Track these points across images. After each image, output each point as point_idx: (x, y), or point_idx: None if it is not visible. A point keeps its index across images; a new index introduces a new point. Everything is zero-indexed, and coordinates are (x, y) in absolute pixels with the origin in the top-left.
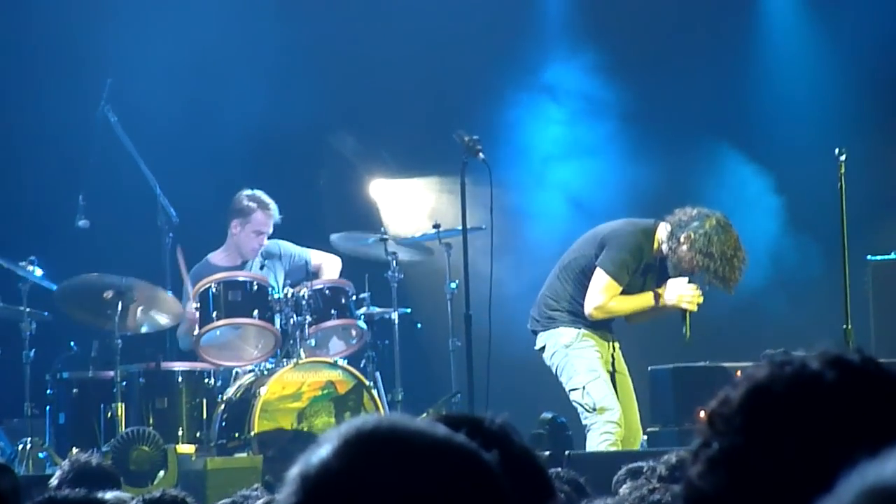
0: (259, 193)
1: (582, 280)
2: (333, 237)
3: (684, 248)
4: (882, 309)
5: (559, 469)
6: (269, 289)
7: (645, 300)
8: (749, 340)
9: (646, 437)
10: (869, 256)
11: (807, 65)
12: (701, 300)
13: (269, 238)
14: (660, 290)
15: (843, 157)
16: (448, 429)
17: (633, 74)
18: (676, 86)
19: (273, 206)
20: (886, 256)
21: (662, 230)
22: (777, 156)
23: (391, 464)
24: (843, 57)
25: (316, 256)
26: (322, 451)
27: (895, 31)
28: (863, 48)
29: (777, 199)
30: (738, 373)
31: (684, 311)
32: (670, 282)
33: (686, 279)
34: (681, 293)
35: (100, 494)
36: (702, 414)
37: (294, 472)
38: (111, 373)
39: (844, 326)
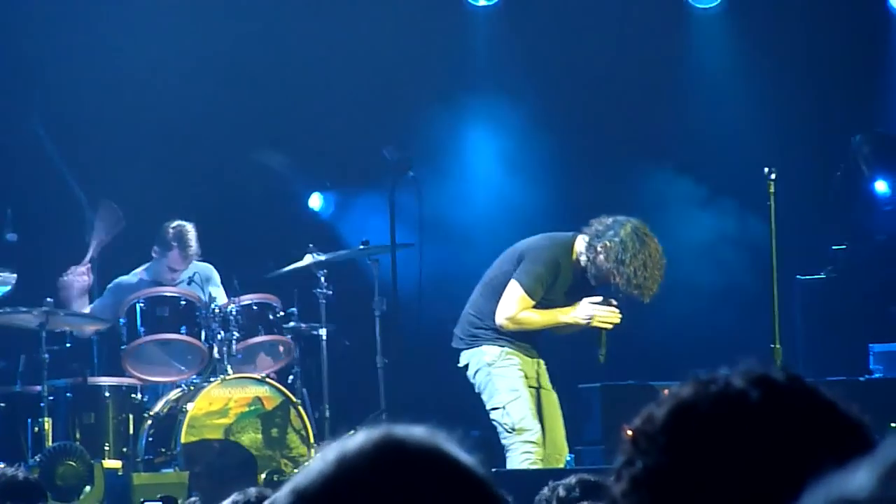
0: (184, 230)
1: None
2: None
3: (601, 257)
4: (810, 328)
5: None
6: (197, 305)
7: (555, 317)
8: (678, 359)
9: (573, 455)
10: (798, 276)
11: (738, 84)
12: (617, 320)
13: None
14: (568, 308)
15: (772, 177)
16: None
17: (566, 91)
18: (609, 102)
19: (193, 247)
20: (815, 276)
21: (580, 242)
22: (708, 174)
23: (390, 479)
24: (773, 77)
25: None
26: (318, 464)
27: (825, 51)
28: (793, 68)
29: (707, 216)
30: (666, 391)
31: (600, 330)
32: (583, 301)
33: (599, 298)
34: (592, 312)
35: None
36: (627, 432)
37: (287, 486)
38: (38, 387)
39: (773, 345)
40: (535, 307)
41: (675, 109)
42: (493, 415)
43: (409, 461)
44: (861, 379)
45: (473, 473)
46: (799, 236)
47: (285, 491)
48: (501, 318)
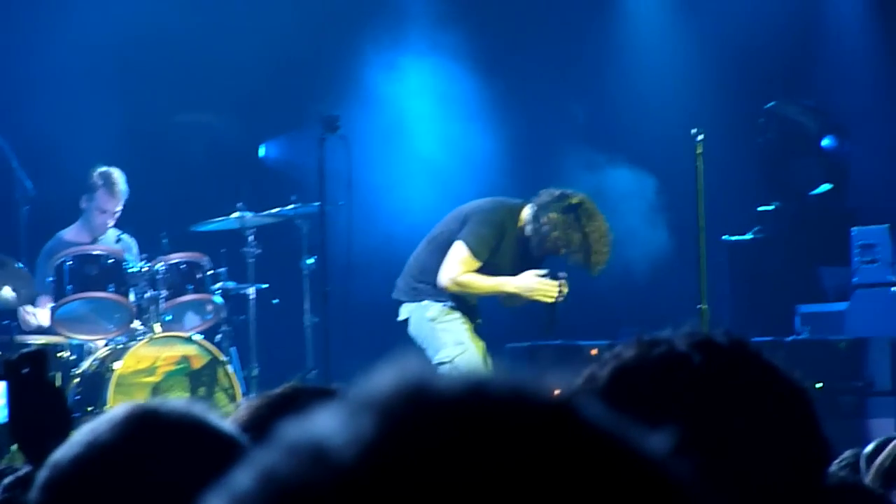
0: (110, 171)
1: (444, 256)
2: (195, 228)
3: (546, 228)
4: (737, 289)
5: None
6: (125, 263)
7: (500, 285)
8: (605, 320)
9: None
10: (725, 237)
11: (667, 46)
12: (555, 295)
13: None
14: (514, 279)
15: (700, 138)
16: (281, 404)
17: (497, 53)
18: (539, 66)
19: (120, 186)
20: (741, 237)
21: (527, 211)
22: (636, 136)
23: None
24: (702, 40)
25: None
26: (72, 443)
27: (754, 14)
28: (722, 31)
29: (635, 178)
30: (594, 351)
31: (551, 304)
32: (527, 272)
33: (543, 272)
34: (534, 285)
35: None
36: (556, 392)
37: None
38: None
39: (700, 306)
40: (478, 271)
41: (606, 71)
42: (440, 369)
43: (161, 433)
44: (787, 340)
45: (229, 439)
46: (726, 197)
47: (45, 466)
48: (445, 278)
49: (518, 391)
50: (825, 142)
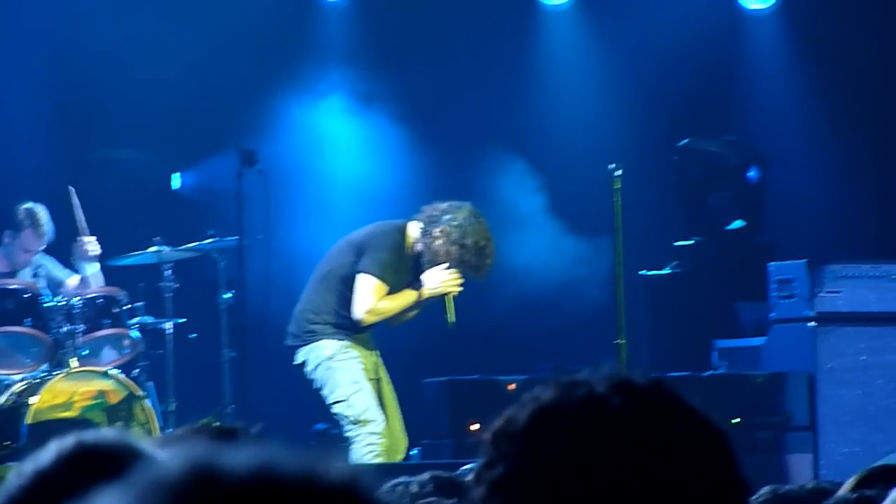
0: (36, 210)
1: (343, 290)
2: (112, 262)
3: (439, 241)
4: (655, 324)
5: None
6: (41, 297)
7: (409, 296)
8: (522, 354)
9: (419, 449)
10: (642, 272)
11: (585, 82)
12: (461, 282)
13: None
14: (420, 286)
15: (618, 173)
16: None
17: (415, 89)
18: (457, 102)
19: (46, 226)
20: (659, 272)
21: (414, 228)
22: (556, 168)
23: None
24: (621, 75)
25: (73, 280)
26: (43, 456)
27: (673, 50)
28: (641, 66)
29: (554, 210)
30: (512, 386)
31: (444, 296)
32: (428, 272)
33: (442, 266)
34: (442, 279)
35: None
36: (474, 427)
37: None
38: None
39: (617, 341)
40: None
41: (526, 99)
42: (335, 408)
43: (101, 464)
44: (704, 375)
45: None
46: (645, 232)
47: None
48: (361, 312)
49: (306, 473)
50: (750, 174)
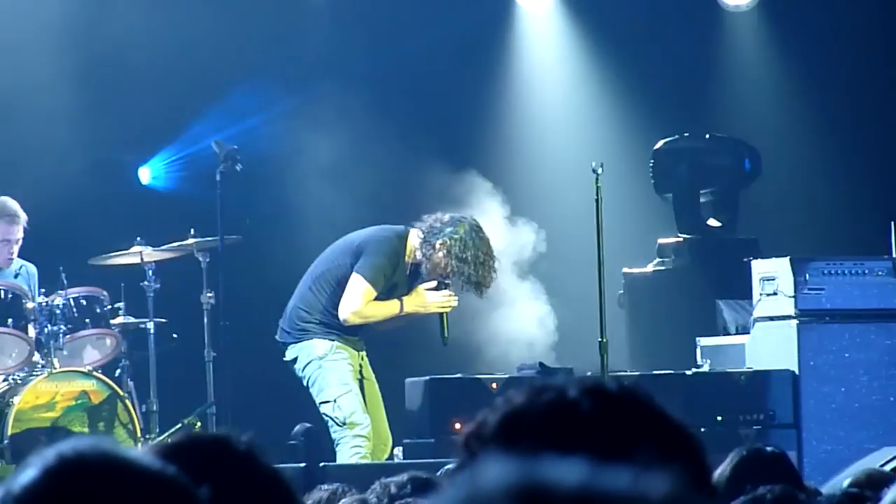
0: (5, 200)
1: (337, 291)
2: (92, 261)
3: (440, 254)
4: (636, 321)
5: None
6: (24, 298)
7: (394, 307)
8: (504, 352)
9: (402, 449)
10: (624, 269)
11: (568, 81)
12: (455, 303)
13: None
14: (408, 298)
15: (599, 171)
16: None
17: (392, 93)
18: (440, 96)
19: (19, 215)
20: (642, 270)
21: (414, 237)
22: (536, 167)
23: (95, 491)
24: (603, 73)
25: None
26: (27, 475)
27: (655, 47)
28: (623, 64)
29: (535, 208)
30: (494, 385)
31: (440, 314)
32: (420, 288)
33: (435, 283)
34: (433, 298)
35: None
36: (457, 426)
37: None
38: None
39: (600, 339)
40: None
41: (505, 99)
42: (323, 408)
43: (86, 479)
44: (688, 372)
45: (159, 475)
46: (628, 229)
47: None
48: (347, 312)
49: (634, 489)
50: (745, 166)
